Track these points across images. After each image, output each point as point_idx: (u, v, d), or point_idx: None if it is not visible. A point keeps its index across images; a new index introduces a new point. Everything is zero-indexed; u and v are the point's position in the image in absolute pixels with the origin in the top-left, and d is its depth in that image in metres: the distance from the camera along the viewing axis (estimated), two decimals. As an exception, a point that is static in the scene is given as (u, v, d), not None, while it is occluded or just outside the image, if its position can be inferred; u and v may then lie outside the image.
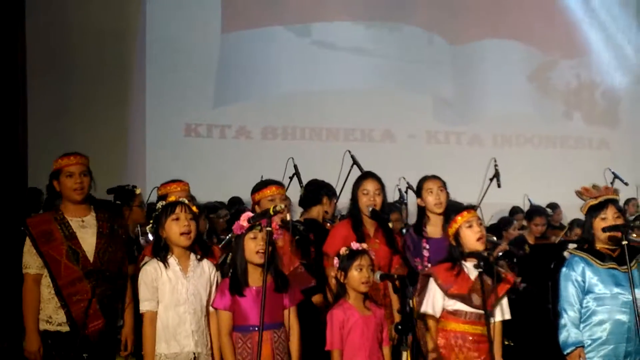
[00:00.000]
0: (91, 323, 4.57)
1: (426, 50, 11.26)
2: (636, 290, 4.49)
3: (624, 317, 4.49)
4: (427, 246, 5.24)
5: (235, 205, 8.37)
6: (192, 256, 4.45)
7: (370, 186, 5.24)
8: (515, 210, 9.37)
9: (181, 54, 10.36)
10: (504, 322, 4.68)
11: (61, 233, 4.63)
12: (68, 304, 4.55)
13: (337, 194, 6.35)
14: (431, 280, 4.55)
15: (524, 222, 8.60)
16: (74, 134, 9.64)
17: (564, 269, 4.63)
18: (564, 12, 11.78)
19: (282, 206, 4.34)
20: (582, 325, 4.54)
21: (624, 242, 4.45)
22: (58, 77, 9.99)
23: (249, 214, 4.46)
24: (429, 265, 5.05)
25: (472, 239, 4.57)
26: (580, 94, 11.84)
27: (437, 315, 4.53)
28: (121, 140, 10.17)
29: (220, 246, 5.27)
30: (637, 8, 12.11)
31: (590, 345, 4.51)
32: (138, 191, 6.38)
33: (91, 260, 4.62)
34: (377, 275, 4.43)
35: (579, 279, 4.55)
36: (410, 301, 4.45)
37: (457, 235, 4.61)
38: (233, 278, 4.37)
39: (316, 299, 5.16)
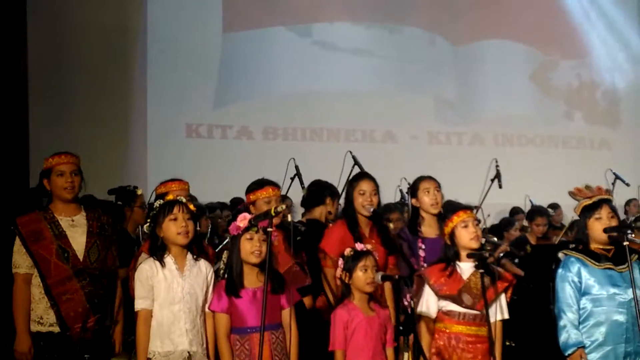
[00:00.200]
0: (79, 322, 4.56)
1: (427, 51, 11.26)
2: (632, 290, 4.49)
3: (621, 318, 4.48)
4: (423, 246, 5.24)
5: (237, 206, 8.37)
6: (189, 255, 4.43)
7: (366, 186, 5.23)
8: (515, 211, 9.37)
9: (182, 54, 10.36)
10: (505, 323, 4.67)
11: (51, 232, 4.62)
12: (58, 303, 4.54)
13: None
14: (419, 282, 4.55)
15: (525, 223, 8.60)
16: (76, 134, 9.64)
17: (559, 270, 4.60)
18: (564, 12, 11.78)
19: (284, 207, 4.33)
20: (580, 327, 4.52)
21: (625, 243, 4.44)
22: (59, 77, 9.99)
23: (247, 215, 4.45)
24: (425, 265, 5.05)
25: (466, 238, 4.57)
26: (581, 94, 11.84)
27: (433, 315, 4.53)
28: (122, 141, 10.17)
29: (217, 250, 5.26)
30: (638, 8, 12.11)
31: (588, 346, 4.49)
32: (139, 192, 6.38)
33: (81, 259, 4.62)
34: (379, 276, 4.43)
35: (575, 279, 4.53)
36: (412, 302, 4.47)
37: (452, 234, 4.62)
38: (229, 279, 4.37)
39: (306, 301, 5.12)
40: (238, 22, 10.74)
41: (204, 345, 4.37)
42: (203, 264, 4.47)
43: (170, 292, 4.32)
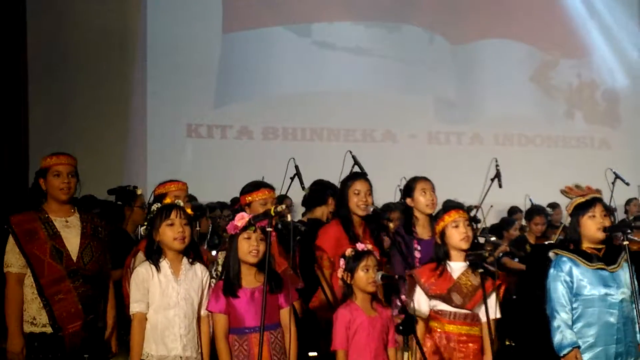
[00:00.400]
0: (72, 323, 4.56)
1: (427, 50, 11.26)
2: (622, 290, 4.48)
3: (612, 319, 4.44)
4: (419, 247, 5.22)
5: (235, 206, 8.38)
6: (185, 260, 4.42)
7: (361, 186, 5.23)
8: (513, 210, 9.37)
9: (182, 55, 10.36)
10: (506, 322, 4.66)
11: (45, 232, 4.61)
12: (50, 304, 4.53)
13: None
14: (410, 282, 4.54)
15: (523, 222, 8.60)
16: (75, 135, 9.65)
17: (551, 270, 4.56)
18: (565, 11, 11.78)
19: (284, 207, 4.32)
20: (572, 327, 4.50)
21: (625, 242, 4.43)
22: (59, 77, 9.99)
23: (245, 214, 4.44)
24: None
25: (456, 238, 4.57)
26: (581, 93, 11.84)
27: (424, 315, 4.53)
28: (122, 141, 10.18)
29: (217, 251, 5.25)
30: (638, 7, 12.11)
31: (580, 347, 4.45)
32: (139, 192, 6.38)
33: (74, 260, 4.61)
34: (379, 275, 4.42)
35: (567, 278, 4.49)
36: (412, 302, 4.46)
37: (443, 234, 4.62)
38: (226, 280, 4.36)
39: (296, 305, 5.10)
40: (238, 22, 10.74)
41: (199, 350, 4.36)
42: (199, 268, 4.46)
43: (165, 297, 4.30)
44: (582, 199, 4.56)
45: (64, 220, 4.69)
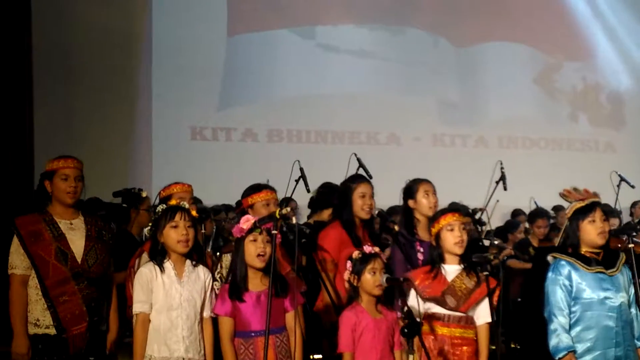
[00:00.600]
0: (76, 325, 4.56)
1: (431, 53, 11.26)
2: (621, 293, 4.48)
3: (611, 322, 4.44)
4: (422, 249, 5.22)
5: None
6: (188, 262, 4.42)
7: (366, 189, 5.25)
8: (517, 213, 9.37)
9: (187, 57, 10.37)
10: (510, 325, 4.67)
11: (50, 234, 4.62)
12: (55, 305, 4.54)
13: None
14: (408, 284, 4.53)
15: (526, 225, 8.61)
16: (80, 137, 9.66)
17: (550, 274, 4.56)
18: (569, 14, 11.76)
19: (289, 209, 4.33)
20: (570, 332, 4.47)
21: (631, 245, 4.43)
22: (64, 80, 10.01)
23: (250, 217, 4.45)
24: None
25: (451, 242, 4.58)
26: (586, 96, 11.82)
27: (418, 319, 4.52)
28: (127, 144, 10.18)
29: (220, 253, 5.25)
30: (644, 10, 12.10)
31: (579, 351, 4.44)
32: (144, 194, 6.39)
33: (79, 262, 4.63)
34: (384, 278, 4.42)
35: (566, 282, 4.49)
36: (417, 305, 4.46)
37: (438, 236, 4.62)
38: (232, 283, 4.36)
39: None
40: (242, 25, 10.75)
41: (202, 352, 4.36)
42: (201, 270, 4.46)
43: (168, 299, 4.31)
44: (582, 204, 4.55)
45: (68, 222, 4.71)
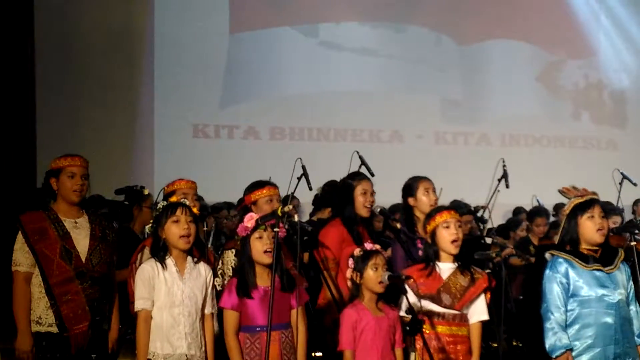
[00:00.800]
0: (79, 324, 4.57)
1: (434, 51, 11.25)
2: (619, 290, 4.48)
3: (610, 319, 4.44)
4: (423, 247, 5.22)
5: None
6: (189, 258, 4.44)
7: (367, 187, 5.27)
8: (518, 211, 9.37)
9: (189, 55, 10.37)
10: (513, 323, 4.67)
11: (55, 232, 4.63)
12: (58, 304, 4.54)
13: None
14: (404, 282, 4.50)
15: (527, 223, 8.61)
16: (82, 135, 9.68)
17: (547, 271, 4.56)
18: (571, 12, 11.75)
19: (291, 207, 4.33)
20: (569, 330, 4.48)
21: (633, 243, 4.43)
22: (67, 78, 10.01)
23: (253, 215, 4.46)
24: None
25: (446, 240, 4.58)
26: (588, 94, 11.81)
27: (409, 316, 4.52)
28: (129, 141, 10.19)
29: (220, 250, 5.26)
30: (646, 8, 12.08)
31: (578, 349, 4.45)
32: (146, 191, 6.40)
33: (83, 261, 4.64)
34: (386, 276, 4.42)
35: (563, 280, 4.49)
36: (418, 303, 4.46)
37: (433, 234, 4.61)
38: (241, 279, 4.37)
39: None
40: (245, 23, 10.74)
41: (203, 349, 4.38)
42: (202, 266, 4.48)
43: (170, 296, 4.32)
44: (581, 200, 4.56)
45: (73, 221, 4.71)
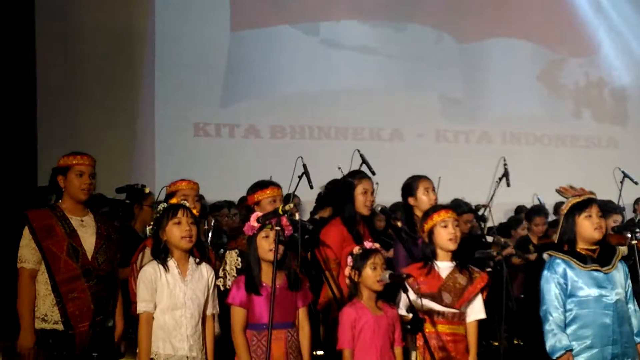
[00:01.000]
0: (84, 322, 4.57)
1: (434, 49, 11.25)
2: (617, 290, 4.48)
3: (608, 320, 4.45)
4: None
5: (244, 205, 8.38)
6: (191, 259, 4.45)
7: (368, 186, 5.27)
8: (520, 209, 9.37)
9: (190, 54, 10.37)
10: (514, 321, 4.67)
11: (62, 229, 4.64)
12: (64, 301, 4.55)
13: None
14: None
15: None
16: (83, 134, 9.67)
17: (545, 272, 4.57)
18: (572, 10, 11.75)
19: (292, 205, 4.34)
20: (567, 330, 4.48)
21: (634, 242, 4.43)
22: (67, 77, 10.00)
23: (259, 214, 4.47)
24: None
25: (444, 238, 4.58)
26: (589, 92, 11.81)
27: (407, 315, 4.52)
28: (130, 140, 10.18)
29: (221, 251, 5.26)
30: (647, 6, 12.07)
31: (576, 349, 4.45)
32: (147, 190, 6.41)
33: (89, 259, 4.65)
34: (387, 274, 4.42)
35: (561, 280, 4.49)
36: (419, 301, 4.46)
37: (431, 233, 4.61)
38: (248, 278, 4.38)
39: None
40: (245, 21, 10.74)
41: (204, 350, 4.39)
42: (204, 268, 4.49)
43: (173, 298, 4.33)
44: (578, 199, 4.56)
45: (79, 219, 4.73)
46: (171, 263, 4.38)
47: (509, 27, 11.44)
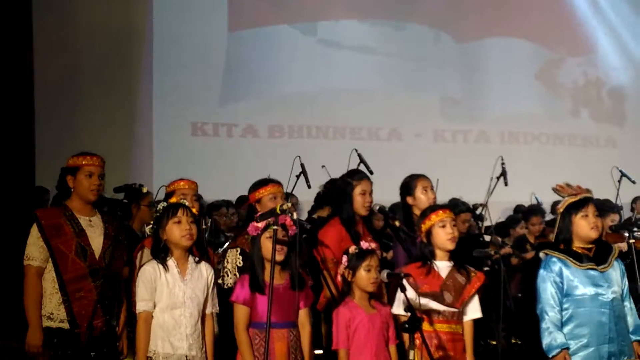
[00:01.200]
0: (94, 321, 4.58)
1: (432, 49, 11.25)
2: (613, 288, 4.48)
3: (604, 318, 4.45)
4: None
5: (243, 204, 8.38)
6: (191, 258, 4.45)
7: (366, 186, 5.27)
8: (519, 209, 9.39)
9: (188, 53, 10.37)
10: (512, 320, 4.67)
11: (71, 228, 4.65)
12: (70, 300, 4.56)
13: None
14: (403, 280, 4.46)
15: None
16: (81, 134, 9.67)
17: (541, 271, 4.58)
18: (570, 9, 11.75)
19: (289, 204, 4.35)
20: (563, 329, 4.49)
21: (632, 241, 4.44)
22: (65, 77, 10.00)
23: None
24: None
25: (443, 238, 4.58)
26: (587, 91, 11.81)
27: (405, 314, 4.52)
28: (128, 140, 10.18)
29: (221, 250, 5.27)
30: (645, 5, 12.08)
31: (573, 348, 4.46)
32: (145, 189, 6.40)
33: (97, 259, 4.65)
34: (384, 274, 4.43)
35: (557, 279, 4.50)
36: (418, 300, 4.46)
37: (429, 233, 4.61)
38: (252, 277, 4.39)
39: None
40: (243, 21, 10.74)
41: (203, 349, 4.39)
42: (204, 266, 4.49)
43: (172, 297, 4.34)
44: (575, 198, 4.56)
45: (87, 219, 4.74)
46: (170, 262, 4.38)
47: (507, 27, 11.44)
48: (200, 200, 6.30)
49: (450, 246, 4.58)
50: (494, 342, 6.65)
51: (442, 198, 5.58)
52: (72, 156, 4.81)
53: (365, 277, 4.51)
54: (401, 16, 11.19)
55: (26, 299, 4.59)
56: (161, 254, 4.39)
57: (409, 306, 4.21)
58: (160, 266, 4.36)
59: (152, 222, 4.49)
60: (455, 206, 6.43)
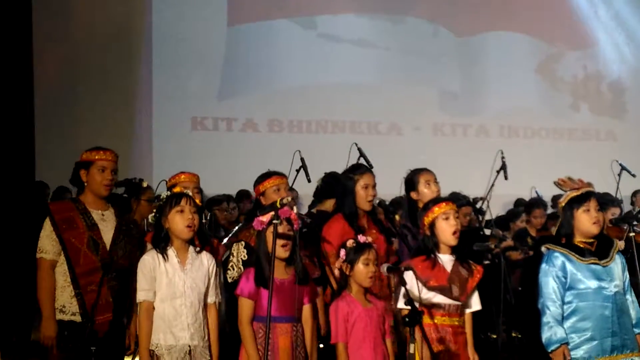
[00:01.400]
0: (101, 315, 4.59)
1: (432, 43, 11.24)
2: (616, 282, 4.49)
3: (607, 312, 4.45)
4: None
5: (243, 199, 8.39)
6: (191, 248, 4.45)
7: (369, 180, 5.27)
8: (519, 202, 9.39)
9: (187, 48, 10.37)
10: (512, 314, 4.68)
11: (83, 222, 4.69)
12: (82, 294, 4.59)
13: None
14: (408, 273, 4.45)
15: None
16: (81, 129, 9.67)
17: (543, 265, 4.56)
18: (570, 3, 11.73)
19: (289, 198, 4.35)
20: (566, 323, 4.49)
21: (632, 234, 4.44)
22: (65, 72, 10.01)
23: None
24: None
25: (447, 232, 4.58)
26: (587, 85, 11.80)
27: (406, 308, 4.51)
28: (128, 135, 10.18)
29: (223, 243, 5.27)
30: (644, -2, 12.06)
31: (576, 342, 4.46)
32: (145, 184, 6.39)
33: (109, 253, 4.67)
34: (384, 267, 4.42)
35: (560, 274, 4.49)
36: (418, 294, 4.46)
37: (432, 225, 4.61)
38: (258, 271, 4.39)
39: None
40: (242, 15, 10.73)
41: (206, 339, 4.39)
42: (205, 256, 4.49)
43: (172, 287, 4.33)
44: (577, 193, 4.55)
45: (100, 213, 4.77)
46: (170, 252, 4.38)
47: (506, 21, 11.43)
48: (201, 194, 6.30)
49: (454, 242, 4.58)
50: (494, 336, 6.64)
51: (442, 192, 5.57)
52: (85, 150, 4.84)
53: (363, 271, 4.51)
54: (400, 10, 11.18)
55: (40, 292, 4.63)
56: (161, 243, 4.38)
57: (409, 299, 4.21)
58: (160, 256, 4.35)
59: (154, 211, 4.48)
60: (456, 199, 6.41)
